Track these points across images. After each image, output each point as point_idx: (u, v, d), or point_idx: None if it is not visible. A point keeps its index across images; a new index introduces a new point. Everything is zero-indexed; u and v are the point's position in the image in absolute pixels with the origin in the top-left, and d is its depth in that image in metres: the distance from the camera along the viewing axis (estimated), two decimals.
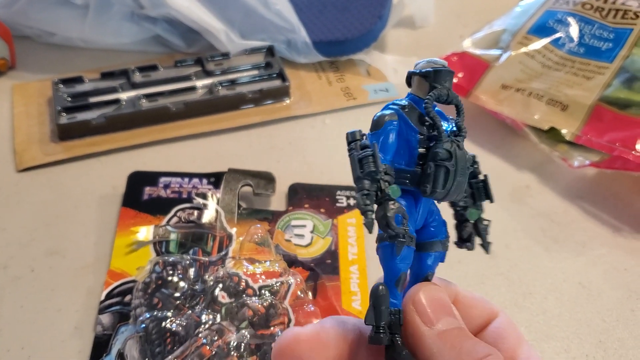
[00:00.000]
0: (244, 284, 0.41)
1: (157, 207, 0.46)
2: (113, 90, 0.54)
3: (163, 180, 0.48)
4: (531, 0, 0.62)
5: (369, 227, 0.23)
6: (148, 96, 0.53)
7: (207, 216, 0.46)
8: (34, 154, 0.50)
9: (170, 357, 0.37)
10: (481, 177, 0.27)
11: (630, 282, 0.45)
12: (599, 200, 0.50)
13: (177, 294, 0.41)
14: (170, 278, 0.41)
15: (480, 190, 0.27)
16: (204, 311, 0.40)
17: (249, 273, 0.42)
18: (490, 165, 0.53)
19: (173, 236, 0.44)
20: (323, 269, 0.43)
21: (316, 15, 0.60)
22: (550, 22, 0.57)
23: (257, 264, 0.42)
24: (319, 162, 0.52)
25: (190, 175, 0.48)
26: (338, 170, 0.51)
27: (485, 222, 0.27)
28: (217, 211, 0.46)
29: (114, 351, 0.39)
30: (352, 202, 0.47)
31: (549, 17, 0.58)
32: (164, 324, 0.39)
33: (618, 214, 0.49)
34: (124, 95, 0.53)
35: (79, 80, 0.54)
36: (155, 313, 0.40)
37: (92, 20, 0.57)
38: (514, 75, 0.54)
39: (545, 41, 0.56)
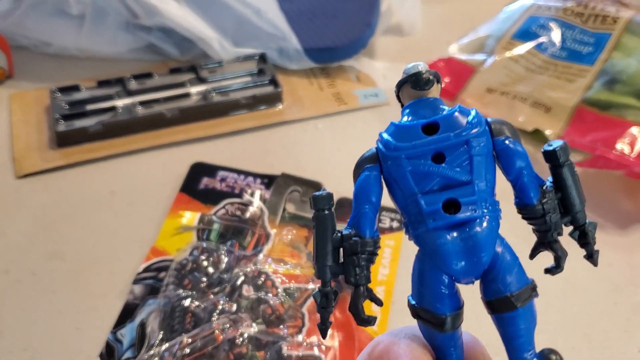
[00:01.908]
0: (269, 282, 0.43)
1: (210, 197, 0.49)
2: (109, 97, 0.55)
3: (221, 173, 0.51)
4: (515, 7, 0.64)
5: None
6: (143, 103, 0.55)
7: (252, 213, 0.48)
8: (33, 160, 0.51)
9: (185, 335, 0.40)
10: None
11: (613, 276, 0.46)
12: None
13: (205, 279, 0.43)
14: (203, 263, 0.44)
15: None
16: (224, 299, 0.42)
17: (276, 272, 0.44)
18: None
19: (216, 226, 0.47)
20: None
21: (306, 23, 0.61)
22: (533, 27, 0.59)
23: (283, 265, 0.45)
24: (312, 166, 0.53)
25: (246, 174, 0.51)
26: (330, 174, 0.52)
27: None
28: (261, 210, 0.48)
29: (138, 320, 0.42)
30: (394, 224, 0.48)
31: (532, 22, 0.59)
32: (187, 303, 0.42)
33: (602, 212, 0.51)
34: (120, 103, 0.55)
35: (75, 88, 0.56)
36: (182, 293, 0.42)
37: (88, 30, 0.58)
38: (498, 79, 0.56)
39: (528, 46, 0.58)
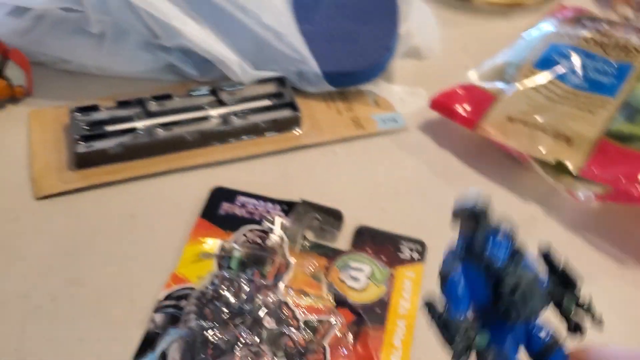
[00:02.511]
0: (290, 313, 0.43)
1: (230, 224, 0.49)
2: (129, 119, 0.55)
3: (241, 199, 0.51)
4: (534, 34, 0.64)
5: None
6: (164, 125, 0.54)
7: (272, 241, 0.48)
8: (52, 182, 0.51)
9: None
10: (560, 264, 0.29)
11: (636, 313, 0.46)
12: (603, 232, 0.51)
13: (226, 309, 0.43)
14: (224, 293, 0.44)
15: (564, 279, 0.29)
16: (246, 331, 0.42)
17: (297, 304, 0.44)
18: (496, 197, 0.53)
19: (237, 254, 0.47)
20: (370, 317, 0.44)
21: (325, 46, 0.61)
22: (554, 55, 0.59)
23: (304, 296, 0.44)
24: (331, 192, 0.53)
25: (266, 199, 0.51)
26: (349, 201, 0.52)
27: (584, 302, 0.29)
28: (281, 238, 0.48)
29: (158, 350, 0.41)
30: (415, 255, 0.48)
31: (553, 51, 0.59)
32: (208, 334, 0.41)
33: (623, 246, 0.50)
34: (140, 124, 0.54)
35: (95, 108, 0.55)
36: (204, 323, 0.42)
37: (108, 48, 0.58)
38: (519, 108, 0.56)
39: (549, 75, 0.58)
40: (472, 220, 0.28)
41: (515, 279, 0.27)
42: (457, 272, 0.28)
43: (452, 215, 0.29)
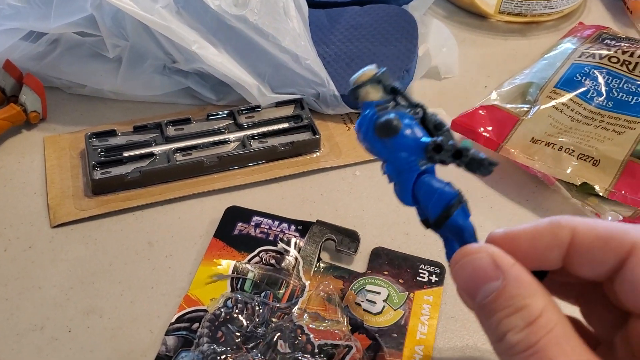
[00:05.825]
0: (304, 338, 0.41)
1: (244, 244, 0.48)
2: (147, 144, 0.54)
3: (255, 219, 0.50)
4: (555, 52, 0.63)
5: None
6: (181, 150, 0.54)
7: (286, 263, 0.47)
8: (68, 209, 0.50)
9: None
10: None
11: None
12: None
13: (239, 333, 0.42)
14: (237, 316, 0.43)
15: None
16: (258, 356, 0.40)
17: (311, 328, 0.42)
18: (520, 219, 0.53)
19: (250, 275, 0.46)
20: (387, 341, 0.43)
21: (344, 69, 0.60)
22: (578, 75, 0.58)
23: (319, 320, 0.43)
24: (350, 215, 0.52)
25: (281, 219, 0.50)
26: (368, 224, 0.51)
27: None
28: (296, 259, 0.46)
29: None
30: (433, 278, 0.47)
31: (576, 70, 0.58)
32: (221, 359, 0.40)
33: None
34: (157, 149, 0.53)
35: (112, 133, 0.55)
36: (215, 347, 0.41)
37: (124, 73, 0.58)
38: (543, 129, 0.55)
39: (573, 95, 0.56)
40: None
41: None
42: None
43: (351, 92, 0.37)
